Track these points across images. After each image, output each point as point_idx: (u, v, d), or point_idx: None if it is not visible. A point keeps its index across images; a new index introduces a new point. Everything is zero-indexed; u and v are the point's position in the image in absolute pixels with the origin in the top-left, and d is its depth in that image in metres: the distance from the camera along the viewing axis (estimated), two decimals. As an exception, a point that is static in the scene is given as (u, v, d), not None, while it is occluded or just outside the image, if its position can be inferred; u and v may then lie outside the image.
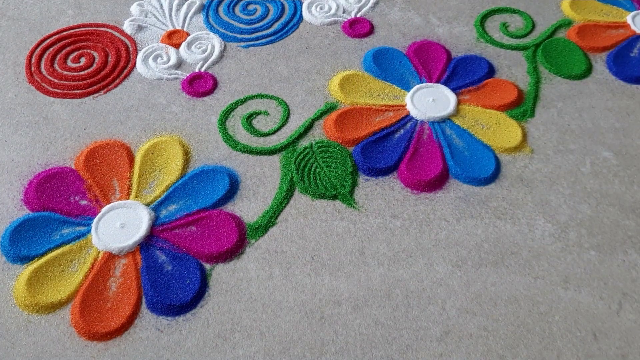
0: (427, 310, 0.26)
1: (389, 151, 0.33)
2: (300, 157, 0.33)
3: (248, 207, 0.30)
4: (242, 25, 0.41)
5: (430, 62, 0.38)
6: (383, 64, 0.38)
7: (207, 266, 0.28)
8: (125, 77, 0.37)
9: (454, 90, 0.36)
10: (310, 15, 0.41)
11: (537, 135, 0.34)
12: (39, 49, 0.39)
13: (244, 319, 0.26)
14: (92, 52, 0.38)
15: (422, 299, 0.27)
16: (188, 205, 0.30)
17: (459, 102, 0.35)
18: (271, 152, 0.33)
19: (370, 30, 0.40)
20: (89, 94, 0.36)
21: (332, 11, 0.42)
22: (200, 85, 0.37)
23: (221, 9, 0.42)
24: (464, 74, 0.37)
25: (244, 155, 0.33)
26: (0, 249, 0.28)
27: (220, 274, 0.28)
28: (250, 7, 0.42)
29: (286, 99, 0.36)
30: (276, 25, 0.41)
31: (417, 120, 0.35)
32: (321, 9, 0.42)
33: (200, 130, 0.34)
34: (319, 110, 0.35)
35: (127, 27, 0.40)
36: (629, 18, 0.41)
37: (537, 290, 0.27)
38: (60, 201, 0.30)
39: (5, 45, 0.39)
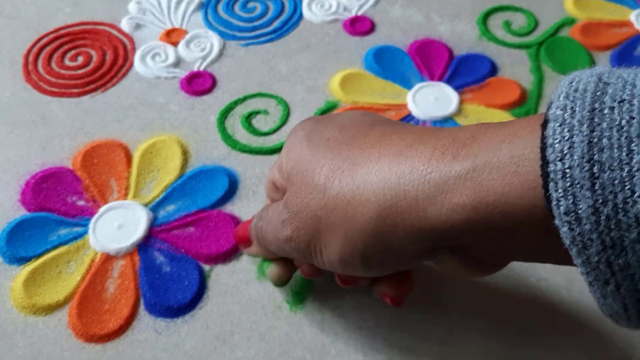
0: (429, 312, 0.26)
1: (390, 151, 0.32)
2: (300, 157, 0.32)
3: (247, 208, 0.30)
4: (241, 24, 0.40)
5: (432, 60, 0.38)
6: (384, 62, 0.37)
7: (206, 267, 0.28)
8: (123, 75, 0.37)
9: (456, 89, 0.36)
10: (311, 13, 0.41)
11: (540, 134, 0.34)
12: (35, 48, 0.38)
13: (244, 321, 0.26)
14: (89, 50, 0.38)
15: (424, 301, 0.26)
16: (187, 206, 0.30)
17: (461, 101, 0.35)
18: (271, 151, 0.33)
19: (372, 28, 0.40)
20: (86, 92, 0.36)
21: (333, 9, 0.41)
22: (199, 84, 0.36)
23: (220, 7, 0.42)
24: (466, 72, 0.37)
25: (243, 154, 0.32)
26: (-4, 250, 0.28)
27: (219, 275, 0.27)
28: (250, 5, 0.42)
29: (286, 98, 0.35)
30: (276, 24, 0.40)
31: (418, 119, 0.34)
32: (321, 6, 0.41)
33: (199, 130, 0.34)
34: (319, 110, 0.35)
35: (125, 25, 0.40)
36: (632, 16, 0.41)
37: (539, 293, 0.27)
38: (58, 201, 0.30)
39: (1, 43, 0.39)
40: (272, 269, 0.24)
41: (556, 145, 0.12)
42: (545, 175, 0.12)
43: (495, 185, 0.13)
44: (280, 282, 0.25)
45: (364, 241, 0.16)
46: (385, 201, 0.15)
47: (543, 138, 0.13)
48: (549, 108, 0.13)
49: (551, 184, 0.12)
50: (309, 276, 0.24)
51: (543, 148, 0.12)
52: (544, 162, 0.12)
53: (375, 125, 0.18)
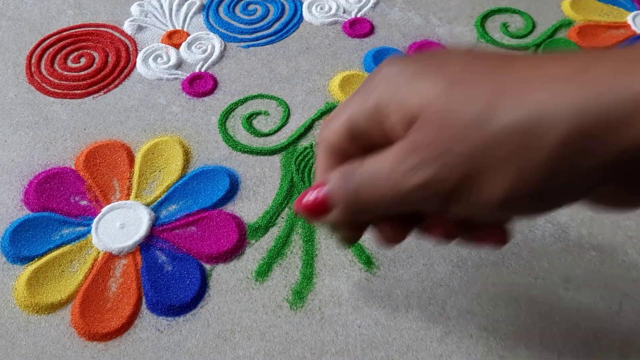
0: (427, 311, 0.26)
1: (389, 151, 0.33)
2: (300, 158, 0.32)
3: (248, 208, 0.30)
4: (242, 26, 0.41)
5: (430, 62, 0.38)
6: (383, 64, 0.38)
7: (207, 266, 0.28)
8: (125, 77, 0.37)
9: (454, 90, 0.36)
10: (311, 15, 0.41)
11: (538, 135, 0.34)
12: (39, 49, 0.38)
13: (244, 320, 0.26)
14: (92, 52, 0.38)
15: (422, 300, 0.26)
16: (188, 206, 0.30)
17: (459, 103, 0.35)
18: (271, 152, 0.33)
19: (371, 30, 0.40)
20: (89, 94, 0.36)
21: (333, 11, 0.42)
22: (200, 85, 0.37)
23: (221, 9, 0.42)
24: (465, 74, 0.37)
25: (244, 155, 0.33)
26: (0, 249, 0.28)
27: (221, 275, 0.28)
28: (251, 7, 0.42)
29: (286, 99, 0.36)
30: (276, 26, 0.41)
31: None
32: (321, 9, 0.42)
33: (200, 131, 0.34)
34: (319, 111, 0.35)
35: (127, 27, 0.40)
36: (629, 18, 0.41)
37: (537, 291, 0.27)
38: (60, 201, 0.30)
39: (5, 45, 0.39)
40: (346, 230, 0.20)
41: None
42: None
43: None
44: (354, 242, 0.21)
45: (546, 174, 0.14)
46: (574, 127, 0.13)
47: None
48: None
49: None
50: (389, 241, 0.19)
51: None
52: None
53: (505, 56, 0.15)
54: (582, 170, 0.14)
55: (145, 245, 0.28)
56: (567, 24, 0.41)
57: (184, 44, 0.39)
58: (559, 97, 0.13)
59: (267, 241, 0.29)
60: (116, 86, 0.37)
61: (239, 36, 0.40)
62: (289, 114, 0.35)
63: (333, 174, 0.18)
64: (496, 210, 0.15)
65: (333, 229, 0.21)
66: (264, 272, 0.27)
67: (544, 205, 0.15)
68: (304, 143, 0.33)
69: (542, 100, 0.14)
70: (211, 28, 0.41)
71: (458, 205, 0.16)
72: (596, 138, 0.13)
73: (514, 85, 0.14)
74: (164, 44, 0.39)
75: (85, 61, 0.38)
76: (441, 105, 0.15)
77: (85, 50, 0.38)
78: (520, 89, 0.14)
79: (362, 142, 0.17)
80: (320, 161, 0.19)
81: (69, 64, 0.38)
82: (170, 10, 0.42)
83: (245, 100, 0.36)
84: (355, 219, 0.18)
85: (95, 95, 0.36)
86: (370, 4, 0.42)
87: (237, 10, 0.42)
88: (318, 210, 0.18)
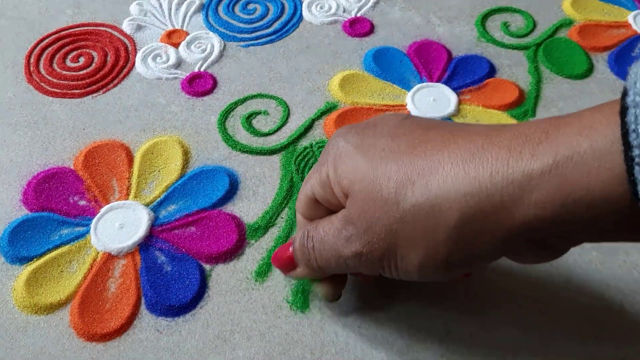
0: (427, 311, 0.26)
1: (390, 151, 0.33)
2: (300, 157, 0.32)
3: (248, 208, 0.30)
4: (241, 25, 0.41)
5: (430, 61, 0.38)
6: (383, 63, 0.38)
7: (207, 267, 0.28)
8: (125, 76, 0.37)
9: (454, 89, 0.36)
10: (310, 14, 0.41)
11: (538, 135, 0.34)
12: (37, 49, 0.38)
13: (244, 320, 0.26)
14: (91, 51, 0.38)
15: (422, 299, 0.26)
16: (187, 206, 0.30)
17: (459, 102, 0.35)
18: (271, 152, 0.33)
19: (371, 29, 0.40)
20: (88, 93, 0.36)
21: (332, 10, 0.41)
22: (199, 84, 0.36)
23: (221, 8, 0.42)
24: (465, 73, 0.37)
25: (243, 155, 0.33)
26: (-2, 250, 0.28)
27: (220, 275, 0.27)
28: (250, 6, 0.42)
29: (286, 99, 0.36)
30: (276, 25, 0.41)
31: (417, 120, 0.34)
32: (321, 8, 0.42)
33: (199, 130, 0.34)
34: (319, 110, 0.35)
35: (126, 26, 0.40)
36: (630, 17, 0.41)
37: (538, 292, 0.27)
38: (59, 201, 0.30)
39: (3, 44, 0.39)
40: (326, 288, 0.23)
41: None
42: (629, 159, 0.13)
43: (581, 180, 0.13)
44: (336, 298, 0.24)
45: (448, 249, 0.16)
46: (469, 207, 0.15)
47: (624, 125, 0.13)
48: (624, 96, 0.13)
49: (636, 168, 0.12)
50: (368, 280, 0.25)
51: (624, 134, 0.13)
52: (627, 147, 0.13)
53: (429, 129, 0.18)
54: (479, 245, 0.16)
55: (145, 245, 0.28)
56: (567, 23, 0.41)
57: (183, 43, 0.39)
58: (458, 179, 0.15)
59: (267, 241, 0.29)
60: (115, 86, 0.36)
61: (239, 35, 0.40)
62: (288, 114, 0.35)
63: (297, 234, 0.21)
64: (417, 277, 0.18)
65: (313, 287, 0.25)
66: (263, 272, 0.27)
67: (456, 271, 0.18)
68: (304, 143, 0.33)
69: (442, 182, 0.16)
70: (210, 27, 0.40)
71: (389, 270, 0.18)
72: (488, 218, 0.15)
73: (424, 165, 0.16)
74: (163, 43, 0.39)
75: (84, 61, 0.38)
76: (366, 184, 0.17)
77: (84, 50, 0.38)
78: (428, 170, 0.16)
79: (325, 205, 0.20)
80: (297, 221, 0.23)
81: (68, 63, 0.38)
82: (170, 9, 0.42)
83: (245, 99, 0.36)
84: (318, 276, 0.22)
85: (94, 95, 0.36)
86: (370, 4, 0.42)
87: (237, 9, 0.42)
88: (287, 265, 0.22)
